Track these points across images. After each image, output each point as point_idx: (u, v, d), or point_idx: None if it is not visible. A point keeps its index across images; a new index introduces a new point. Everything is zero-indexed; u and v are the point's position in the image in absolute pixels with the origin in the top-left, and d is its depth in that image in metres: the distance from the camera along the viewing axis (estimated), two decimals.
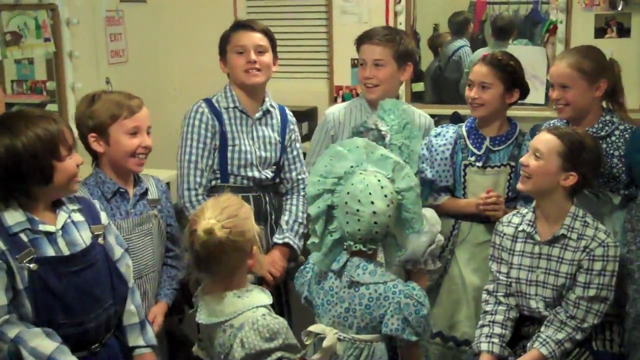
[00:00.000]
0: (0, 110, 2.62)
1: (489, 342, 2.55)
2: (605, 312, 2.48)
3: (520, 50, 4.00)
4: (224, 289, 2.09)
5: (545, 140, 2.51)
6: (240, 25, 2.96)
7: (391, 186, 2.11)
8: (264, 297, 2.11)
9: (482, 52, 4.26)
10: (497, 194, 2.77)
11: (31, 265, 2.03)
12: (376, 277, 2.13)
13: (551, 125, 2.84)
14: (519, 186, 2.57)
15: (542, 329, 2.51)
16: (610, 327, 2.57)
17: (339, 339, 2.14)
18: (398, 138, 2.57)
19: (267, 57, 2.93)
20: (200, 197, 2.85)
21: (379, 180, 2.09)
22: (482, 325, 2.61)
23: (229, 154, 2.90)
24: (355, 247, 2.12)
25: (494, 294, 2.64)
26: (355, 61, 3.26)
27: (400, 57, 3.00)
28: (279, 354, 1.97)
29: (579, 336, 2.47)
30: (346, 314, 2.16)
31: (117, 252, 2.32)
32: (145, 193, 2.65)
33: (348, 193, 2.09)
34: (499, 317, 2.60)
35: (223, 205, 2.09)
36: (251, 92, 2.95)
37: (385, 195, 2.08)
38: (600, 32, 3.84)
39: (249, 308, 2.04)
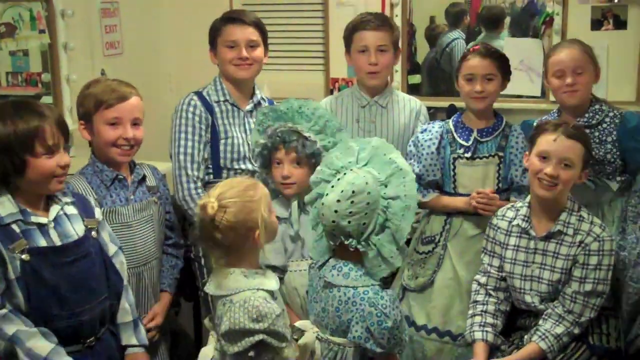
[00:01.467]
0: None
1: (482, 330, 2.57)
2: (602, 305, 2.49)
3: (517, 42, 3.99)
4: (229, 266, 2.07)
5: (571, 148, 2.47)
6: (231, 18, 2.93)
7: (375, 189, 2.08)
8: (269, 283, 2.07)
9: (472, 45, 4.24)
10: (488, 194, 2.74)
11: (23, 256, 2.04)
12: (348, 280, 2.09)
13: (544, 120, 2.85)
14: (543, 194, 2.49)
15: (540, 322, 2.52)
16: (607, 321, 2.57)
17: (318, 338, 2.12)
18: (323, 138, 2.60)
19: (259, 52, 2.92)
20: (200, 190, 2.82)
21: (354, 179, 2.07)
22: (474, 315, 2.63)
23: (222, 147, 2.89)
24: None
25: (485, 286, 2.66)
26: None
27: (395, 42, 3.02)
28: (261, 336, 1.95)
29: (576, 330, 2.48)
30: (322, 313, 2.15)
31: (112, 248, 2.32)
32: (143, 179, 2.65)
33: (333, 186, 2.10)
34: (491, 308, 2.62)
35: (232, 185, 2.07)
36: (240, 86, 2.95)
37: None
38: (596, 24, 3.82)
39: (250, 288, 2.02)
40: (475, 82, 2.80)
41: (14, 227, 2.07)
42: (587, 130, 2.72)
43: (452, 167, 2.87)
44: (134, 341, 2.35)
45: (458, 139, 2.87)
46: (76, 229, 2.20)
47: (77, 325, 2.14)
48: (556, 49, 2.86)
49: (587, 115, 2.78)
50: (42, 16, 3.70)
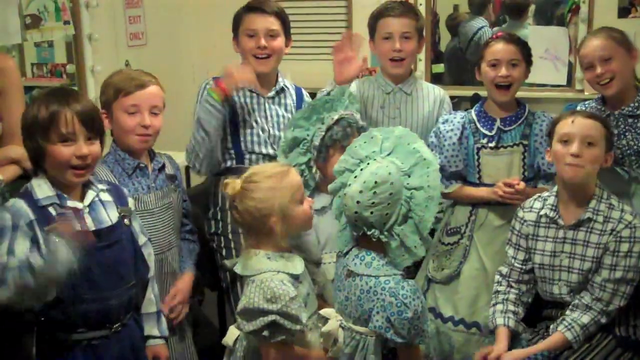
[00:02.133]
0: (18, 96, 2.63)
1: (504, 316, 2.56)
2: (631, 295, 2.46)
3: (543, 31, 3.95)
4: (254, 246, 2.12)
5: (591, 126, 2.45)
6: (252, 8, 2.94)
7: (398, 180, 2.07)
8: (292, 266, 2.10)
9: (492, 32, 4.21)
10: (519, 188, 2.70)
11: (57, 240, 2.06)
12: (370, 269, 2.09)
13: (586, 106, 2.83)
14: (571, 177, 2.46)
15: (567, 312, 2.50)
16: (635, 313, 2.54)
17: (341, 327, 2.13)
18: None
19: (278, 42, 2.92)
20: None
21: (377, 169, 2.07)
22: (496, 304, 2.62)
23: (241, 131, 2.90)
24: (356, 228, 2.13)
25: (507, 278, 2.65)
26: None
27: (419, 30, 3.01)
28: (274, 317, 1.98)
29: (603, 319, 2.46)
30: (345, 302, 2.15)
31: (142, 239, 2.36)
32: (162, 168, 2.68)
33: (356, 177, 2.10)
34: (512, 297, 2.61)
35: (261, 169, 2.14)
36: (261, 77, 2.93)
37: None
38: (623, 12, 3.77)
39: (272, 270, 2.06)
40: (500, 67, 2.77)
41: (51, 209, 2.11)
42: (630, 120, 2.70)
43: (476, 157, 2.85)
44: (156, 332, 2.39)
45: (481, 129, 2.84)
46: (110, 215, 2.23)
47: (105, 309, 2.17)
48: (582, 42, 2.84)
49: (632, 105, 2.72)
50: (67, 7, 3.73)
